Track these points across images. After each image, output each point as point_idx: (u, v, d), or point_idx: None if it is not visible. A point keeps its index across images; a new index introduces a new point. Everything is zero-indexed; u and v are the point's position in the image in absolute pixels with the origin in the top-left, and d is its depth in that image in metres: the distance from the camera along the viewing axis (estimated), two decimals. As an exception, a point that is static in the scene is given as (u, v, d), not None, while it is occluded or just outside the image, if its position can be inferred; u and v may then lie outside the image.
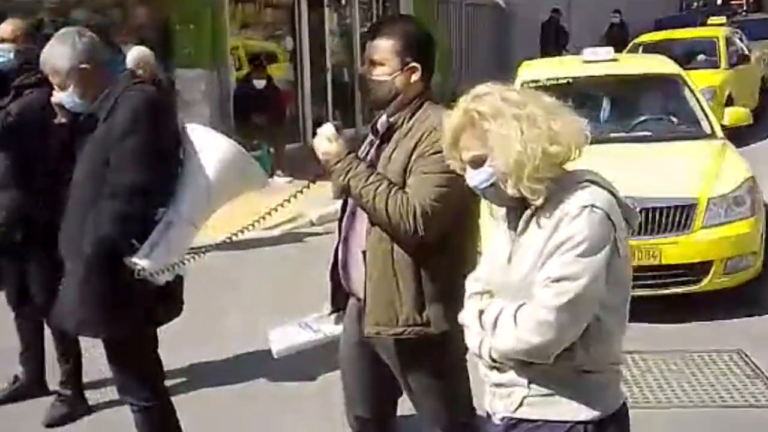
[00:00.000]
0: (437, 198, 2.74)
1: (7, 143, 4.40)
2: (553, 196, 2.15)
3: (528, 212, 2.19)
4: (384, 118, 2.98)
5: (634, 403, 4.69)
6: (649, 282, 5.73)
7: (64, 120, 3.59)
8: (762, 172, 7.01)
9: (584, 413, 2.19)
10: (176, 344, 4.00)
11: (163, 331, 3.69)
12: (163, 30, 11.13)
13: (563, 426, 2.19)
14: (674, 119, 7.42)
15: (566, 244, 2.10)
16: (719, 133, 7.09)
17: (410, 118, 2.91)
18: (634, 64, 8.66)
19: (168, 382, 3.90)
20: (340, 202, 3.15)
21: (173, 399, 3.81)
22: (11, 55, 4.42)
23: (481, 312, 2.25)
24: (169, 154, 3.48)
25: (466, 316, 2.32)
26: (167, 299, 3.56)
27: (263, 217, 3.29)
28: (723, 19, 19.48)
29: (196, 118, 9.78)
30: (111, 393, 4.13)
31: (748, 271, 6.07)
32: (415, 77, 2.91)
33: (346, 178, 2.85)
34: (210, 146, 3.51)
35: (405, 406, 3.25)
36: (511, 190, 2.17)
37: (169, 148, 3.49)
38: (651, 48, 13.71)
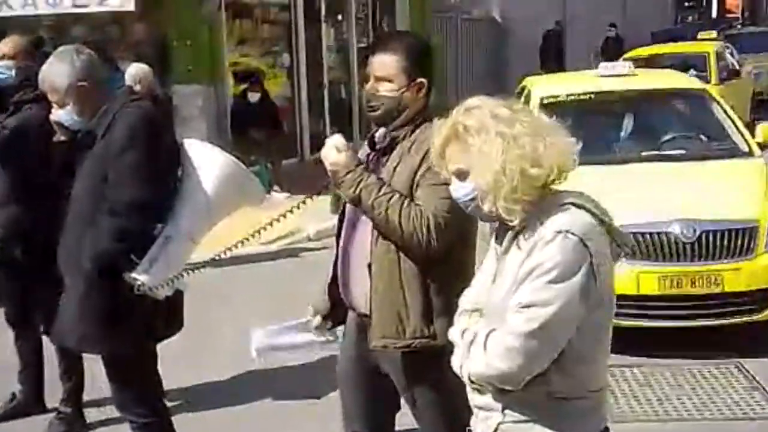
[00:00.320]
0: (449, 209, 2.73)
1: (4, 159, 4.40)
2: (534, 218, 2.12)
3: (511, 232, 2.17)
4: (382, 131, 2.99)
5: (633, 416, 4.70)
6: (710, 311, 5.46)
7: (63, 137, 3.60)
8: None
9: None
10: (173, 361, 3.99)
11: (160, 348, 3.69)
12: (160, 46, 11.16)
13: None
14: (703, 136, 7.09)
15: (537, 269, 2.06)
16: (757, 151, 6.70)
17: (412, 132, 2.92)
18: (654, 79, 8.40)
19: (165, 400, 3.89)
20: (336, 217, 3.16)
21: (171, 417, 3.81)
22: (12, 72, 4.43)
23: (464, 331, 2.22)
24: (167, 170, 3.50)
25: (453, 334, 2.28)
26: (167, 314, 3.56)
27: (264, 228, 3.29)
28: (713, 34, 19.48)
29: (194, 133, 9.81)
30: (110, 411, 4.12)
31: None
32: (421, 93, 2.94)
33: (357, 190, 2.84)
34: (208, 161, 3.53)
35: (402, 421, 3.25)
36: (487, 208, 2.16)
37: (167, 163, 3.50)
38: (641, 63, 13.72)
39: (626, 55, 14.59)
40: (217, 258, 3.60)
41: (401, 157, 2.90)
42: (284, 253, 8.56)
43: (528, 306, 2.06)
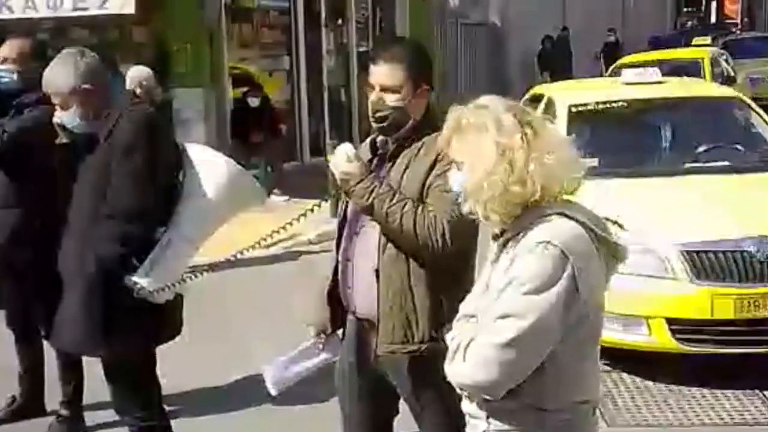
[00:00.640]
0: (461, 214, 2.74)
1: (5, 162, 4.40)
2: (522, 228, 2.11)
3: (501, 240, 2.17)
4: (382, 137, 3.00)
5: (633, 423, 4.71)
6: None
7: (65, 140, 3.61)
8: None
9: None
10: (172, 364, 3.99)
11: (159, 351, 3.70)
12: (160, 49, 11.16)
13: None
14: (741, 146, 6.55)
15: (516, 280, 2.05)
16: None
17: (418, 138, 2.92)
18: (683, 87, 7.99)
19: (165, 404, 3.89)
20: (336, 222, 3.16)
21: (170, 421, 3.81)
22: (14, 76, 4.42)
23: (452, 338, 2.21)
24: (168, 174, 3.51)
25: (447, 340, 2.27)
26: (167, 318, 3.56)
27: (270, 236, 3.30)
28: (708, 40, 19.47)
29: (194, 137, 9.82)
30: (109, 414, 4.12)
31: None
32: (425, 99, 2.95)
33: (370, 199, 2.83)
34: (209, 165, 3.54)
35: (399, 426, 3.25)
36: (467, 208, 2.17)
37: (168, 167, 3.52)
38: (635, 69, 13.65)
39: (620, 61, 14.45)
40: (218, 263, 3.61)
41: (409, 163, 2.90)
42: (285, 257, 8.56)
43: (504, 317, 2.05)
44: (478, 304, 2.20)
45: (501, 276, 2.11)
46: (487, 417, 2.18)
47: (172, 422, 3.86)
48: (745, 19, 38.34)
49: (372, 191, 2.84)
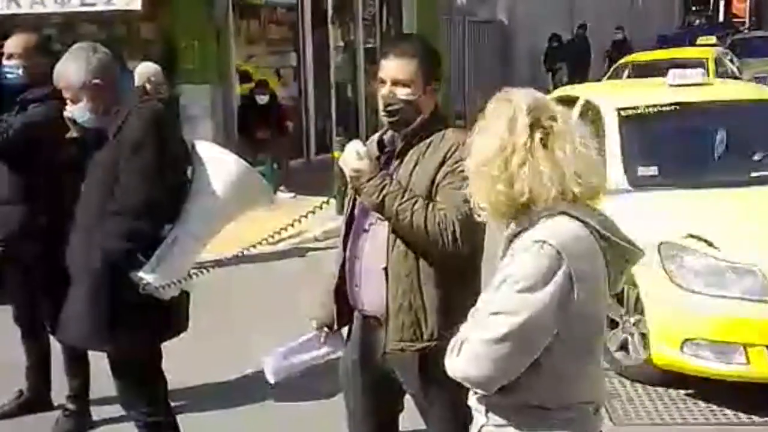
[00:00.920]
0: (471, 212, 2.74)
1: (10, 158, 4.41)
2: (525, 226, 2.12)
3: (507, 238, 2.18)
4: (390, 133, 3.00)
5: (638, 422, 4.70)
6: None
7: (75, 134, 3.62)
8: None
9: None
10: (178, 360, 4.00)
11: (165, 347, 3.71)
12: (168, 46, 11.18)
13: None
14: None
15: (510, 278, 2.07)
16: None
17: (427, 135, 2.92)
18: (730, 89, 7.45)
19: (170, 400, 3.90)
20: (342, 218, 3.16)
21: (176, 416, 3.82)
22: (19, 71, 4.43)
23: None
24: (177, 171, 3.52)
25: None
26: (173, 314, 3.57)
27: (278, 233, 3.31)
28: (713, 39, 19.35)
29: (200, 133, 9.85)
30: (116, 409, 4.13)
31: None
32: (435, 96, 2.96)
33: (381, 196, 2.84)
34: (217, 163, 3.54)
35: (404, 423, 3.25)
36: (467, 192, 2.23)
37: (177, 164, 3.52)
38: (638, 68, 13.30)
39: (623, 60, 14.31)
40: (224, 260, 3.62)
41: (418, 160, 2.90)
42: (291, 253, 8.57)
43: (496, 313, 2.07)
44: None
45: (498, 273, 2.13)
46: (486, 412, 2.21)
47: (178, 417, 3.87)
48: (753, 18, 38.26)
49: (383, 189, 2.84)
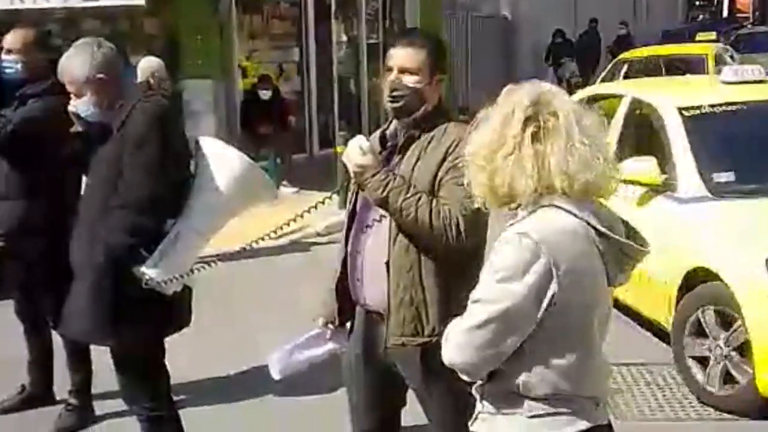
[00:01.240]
0: (474, 207, 2.75)
1: (9, 153, 4.41)
2: (517, 217, 2.16)
3: (491, 224, 2.24)
4: (393, 128, 3.01)
5: (641, 418, 4.71)
6: None
7: (79, 129, 3.63)
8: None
9: None
10: (181, 355, 4.01)
11: (168, 342, 3.71)
12: (171, 41, 11.18)
13: None
14: None
15: (491, 267, 2.12)
16: None
17: (429, 129, 2.93)
18: None
19: (172, 394, 3.91)
20: (344, 213, 3.16)
21: (178, 411, 3.83)
22: (18, 66, 4.43)
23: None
24: (180, 166, 3.52)
25: None
26: (175, 309, 3.58)
27: (281, 228, 3.31)
28: (713, 35, 19.24)
29: (203, 128, 9.85)
30: (118, 403, 4.14)
31: None
32: (439, 88, 2.97)
33: (385, 192, 2.84)
34: (221, 159, 3.55)
35: (406, 417, 3.26)
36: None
37: (180, 159, 3.53)
38: (636, 65, 13.18)
39: (622, 56, 14.07)
40: (226, 254, 3.63)
41: (420, 155, 2.90)
42: (292, 248, 8.58)
43: (477, 301, 2.14)
44: None
45: (486, 262, 2.18)
46: (481, 399, 2.25)
47: (180, 412, 3.87)
48: (757, 13, 38.17)
49: (387, 184, 2.84)
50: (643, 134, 6.19)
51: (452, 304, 2.84)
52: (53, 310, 4.14)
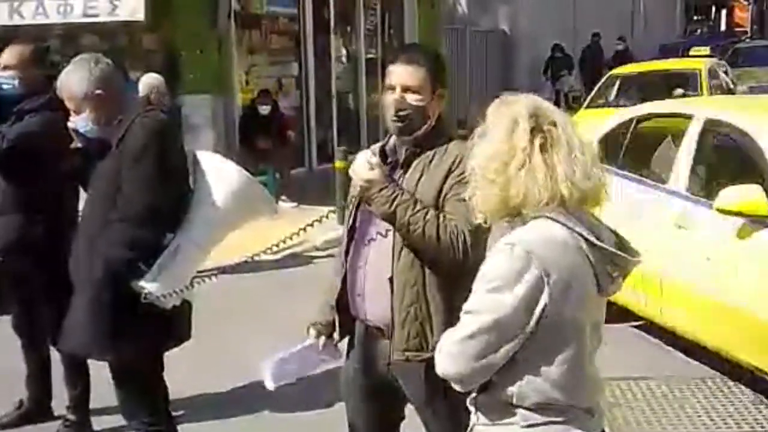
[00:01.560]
0: (478, 222, 2.75)
1: (5, 168, 4.41)
2: (512, 227, 2.17)
3: (491, 237, 2.24)
4: (392, 143, 3.01)
5: (638, 430, 4.70)
6: None
7: (79, 144, 3.64)
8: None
9: None
10: (178, 370, 4.00)
11: (166, 357, 3.71)
12: (169, 56, 11.20)
13: None
14: None
15: (483, 277, 2.14)
16: None
17: (430, 146, 2.93)
18: None
19: (171, 410, 3.90)
20: (343, 230, 3.16)
21: (177, 426, 3.82)
22: (15, 82, 4.44)
23: None
24: (179, 181, 3.53)
25: None
26: (174, 324, 3.58)
27: (283, 242, 3.31)
28: (706, 50, 19.20)
29: (201, 143, 9.86)
30: (116, 419, 4.13)
31: None
32: (440, 104, 2.97)
33: (393, 206, 2.83)
34: (220, 174, 3.56)
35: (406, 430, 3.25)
36: (469, 191, 2.27)
37: (179, 174, 3.54)
38: (628, 80, 13.08)
39: (614, 71, 13.84)
40: (225, 268, 3.62)
41: (423, 171, 2.91)
42: (291, 263, 8.57)
43: (467, 312, 2.16)
44: None
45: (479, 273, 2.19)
46: (476, 410, 2.26)
47: (178, 427, 3.86)
48: (755, 27, 38.29)
49: (395, 199, 2.84)
50: (725, 159, 5.86)
51: (455, 319, 2.85)
52: (52, 325, 4.13)
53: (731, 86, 13.68)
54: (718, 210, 5.03)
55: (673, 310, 5.56)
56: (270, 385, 3.28)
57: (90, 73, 3.51)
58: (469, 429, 2.28)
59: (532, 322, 2.10)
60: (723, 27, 40.17)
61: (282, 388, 3.30)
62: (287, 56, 13.70)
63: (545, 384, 2.15)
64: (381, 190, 2.85)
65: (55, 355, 4.68)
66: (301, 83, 13.68)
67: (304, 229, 3.22)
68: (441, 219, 2.82)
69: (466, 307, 2.17)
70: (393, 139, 3.03)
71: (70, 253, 3.63)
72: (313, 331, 3.21)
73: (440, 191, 2.87)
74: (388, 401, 3.10)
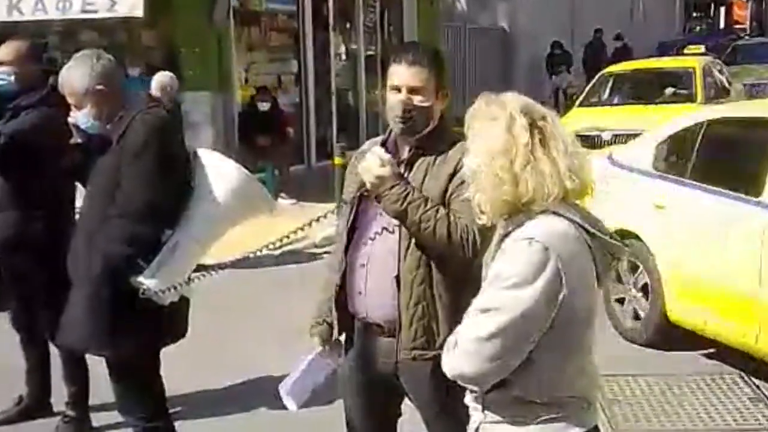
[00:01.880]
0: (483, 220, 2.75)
1: (2, 165, 4.40)
2: (516, 224, 2.16)
3: (497, 238, 2.22)
4: (392, 140, 3.00)
5: (637, 426, 4.70)
6: None
7: (79, 140, 3.64)
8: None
9: None
10: (175, 366, 4.00)
11: (163, 354, 3.71)
12: (169, 53, 11.20)
13: None
14: None
15: (500, 275, 2.11)
16: None
17: (433, 144, 2.93)
18: None
19: (168, 406, 3.90)
20: (339, 225, 3.15)
21: (173, 423, 3.82)
22: (11, 78, 4.43)
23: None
24: (179, 177, 3.53)
25: None
26: (172, 320, 3.58)
27: (284, 238, 3.31)
28: (701, 48, 19.16)
29: (201, 140, 9.86)
30: (115, 415, 4.13)
31: None
32: (444, 103, 2.97)
33: (404, 204, 2.82)
34: (220, 172, 3.57)
35: (404, 428, 3.26)
36: (469, 193, 2.26)
37: (179, 170, 3.54)
38: (622, 79, 12.95)
39: (607, 70, 13.66)
40: (223, 264, 3.63)
41: (426, 171, 2.90)
42: (290, 259, 8.57)
43: (485, 310, 2.12)
44: None
45: (489, 270, 2.17)
46: (483, 408, 2.24)
47: (176, 424, 3.87)
48: (754, 24, 38.29)
49: (406, 196, 2.82)
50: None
51: (462, 317, 2.85)
52: (51, 321, 4.13)
53: (726, 85, 13.47)
54: None
55: None
56: (293, 407, 3.26)
57: (92, 69, 3.52)
58: (474, 427, 2.27)
59: (550, 317, 2.10)
60: (722, 24, 40.15)
61: (277, 384, 3.30)
62: (286, 53, 13.69)
63: (556, 377, 2.16)
64: (392, 187, 2.84)
65: (54, 352, 4.68)
66: (301, 80, 13.67)
67: (310, 224, 3.21)
68: (452, 217, 2.81)
69: (479, 305, 2.13)
70: (393, 137, 3.02)
71: (69, 249, 3.64)
72: (316, 339, 3.20)
73: (445, 191, 2.86)
74: (385, 398, 3.10)
